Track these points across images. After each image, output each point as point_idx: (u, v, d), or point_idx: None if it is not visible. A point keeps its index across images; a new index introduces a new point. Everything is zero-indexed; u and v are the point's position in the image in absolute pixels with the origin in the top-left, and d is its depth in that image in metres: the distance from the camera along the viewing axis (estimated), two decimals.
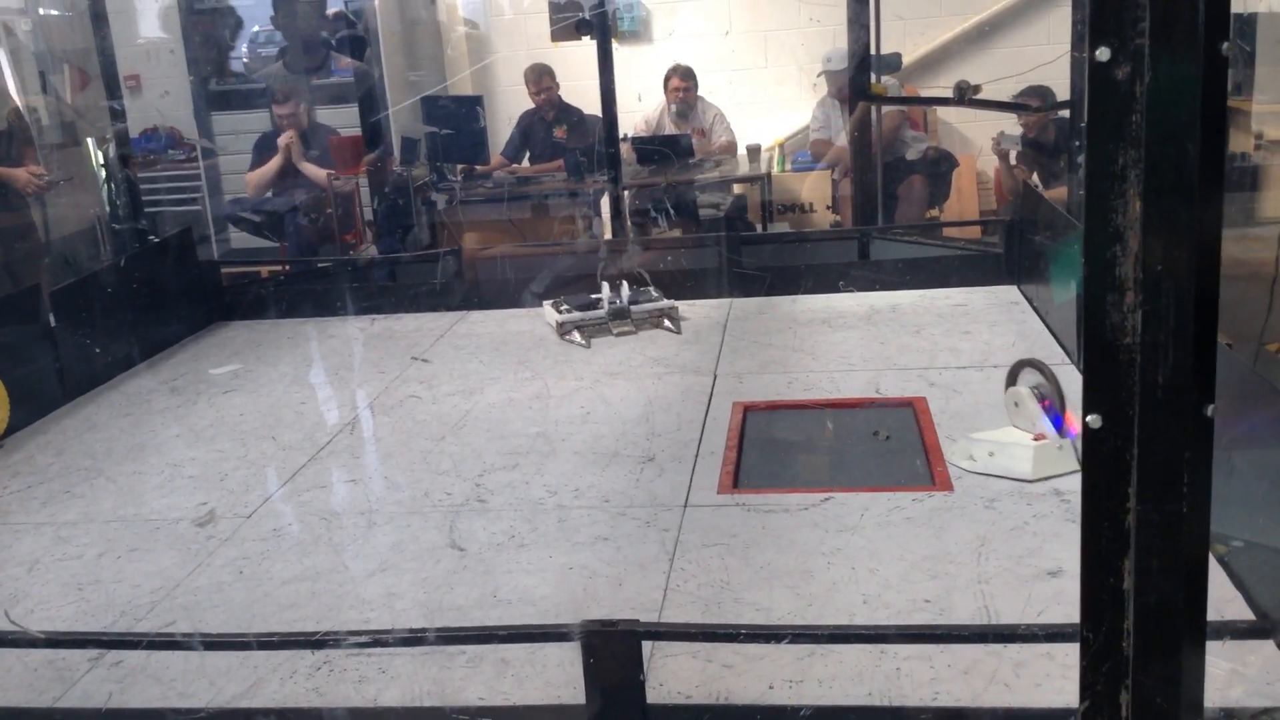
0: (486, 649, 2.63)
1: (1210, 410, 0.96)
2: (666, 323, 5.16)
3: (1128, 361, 0.95)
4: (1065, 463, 3.30)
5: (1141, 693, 1.02)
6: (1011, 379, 3.54)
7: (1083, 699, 1.04)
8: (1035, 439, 3.34)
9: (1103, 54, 0.91)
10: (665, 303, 5.25)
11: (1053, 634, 2.00)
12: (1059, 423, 3.32)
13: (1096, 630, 1.02)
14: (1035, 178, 6.71)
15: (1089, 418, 0.99)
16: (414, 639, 2.50)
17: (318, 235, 7.31)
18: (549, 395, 4.46)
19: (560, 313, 5.24)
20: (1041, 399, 3.39)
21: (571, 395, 4.43)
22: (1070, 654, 2.40)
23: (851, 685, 2.42)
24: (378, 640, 2.50)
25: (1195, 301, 0.93)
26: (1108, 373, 0.97)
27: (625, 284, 5.33)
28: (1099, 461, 1.00)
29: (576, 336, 5.11)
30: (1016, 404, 3.48)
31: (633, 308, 5.23)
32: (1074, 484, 3.20)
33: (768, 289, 5.60)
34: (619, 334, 5.12)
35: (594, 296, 5.31)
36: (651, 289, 5.43)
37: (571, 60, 7.72)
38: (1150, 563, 0.99)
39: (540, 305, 5.48)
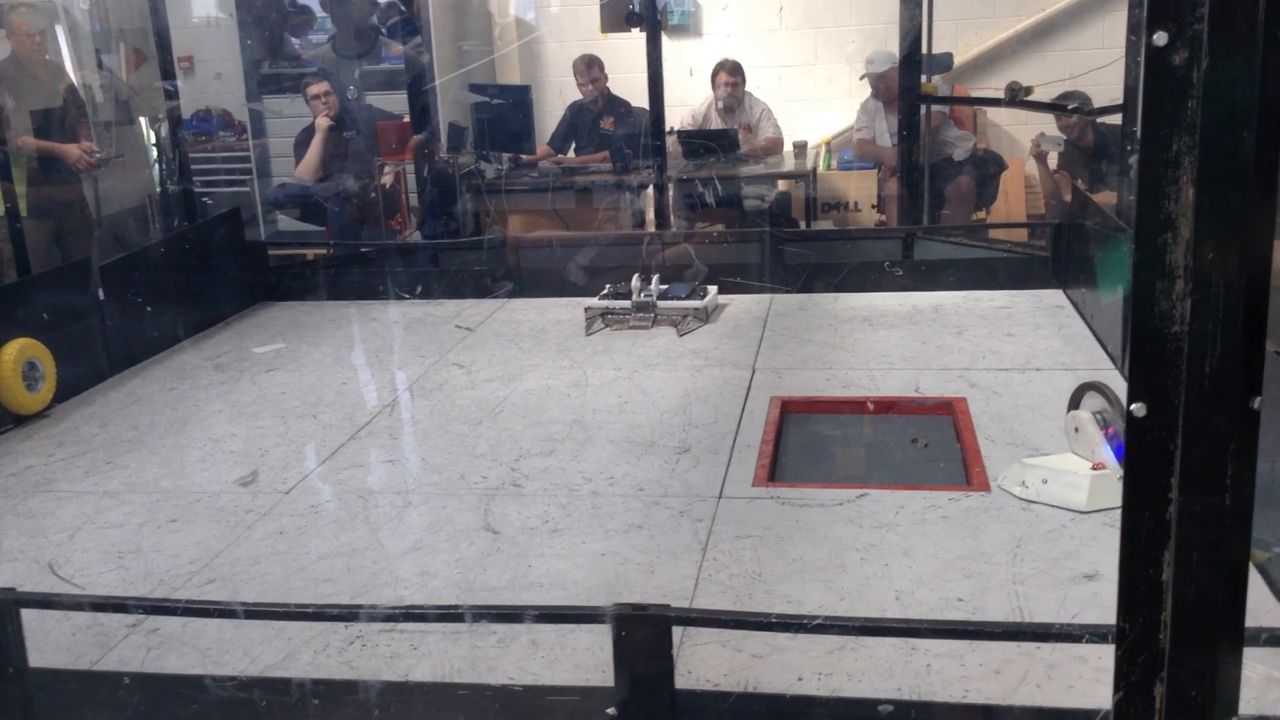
0: (518, 630, 2.65)
1: (1257, 403, 0.95)
2: (689, 320, 5.15)
3: (1174, 350, 0.94)
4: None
5: (1176, 686, 1.01)
6: (1074, 403, 3.33)
7: (1117, 690, 1.03)
8: (1094, 468, 3.15)
9: (1160, 39, 0.90)
10: (692, 304, 5.22)
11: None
12: (1122, 452, 3.21)
13: (1133, 621, 1.01)
14: (1078, 182, 6.64)
15: (1134, 406, 0.98)
16: (447, 615, 2.51)
17: (361, 220, 7.37)
18: (587, 384, 4.47)
19: (599, 298, 5.32)
20: (1105, 426, 3.19)
21: (609, 384, 4.44)
22: (1104, 656, 2.38)
23: (881, 680, 2.41)
24: (410, 614, 2.52)
25: (1245, 292, 0.92)
26: (1154, 361, 0.96)
27: (656, 278, 5.32)
28: (1142, 451, 0.99)
29: (599, 325, 5.17)
30: (1077, 429, 3.28)
31: (660, 304, 5.23)
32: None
33: (810, 285, 5.58)
34: (633, 326, 5.15)
35: (634, 285, 5.33)
36: (703, 285, 5.43)
37: (623, 52, 7.72)
38: (1190, 555, 0.98)
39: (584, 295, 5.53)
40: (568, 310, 5.47)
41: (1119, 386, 4.07)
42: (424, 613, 2.57)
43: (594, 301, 5.31)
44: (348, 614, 2.50)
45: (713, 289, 5.39)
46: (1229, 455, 0.95)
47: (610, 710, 2.02)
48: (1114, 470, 3.08)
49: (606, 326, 5.16)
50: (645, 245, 5.84)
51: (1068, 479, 3.12)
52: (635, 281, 5.31)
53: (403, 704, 2.29)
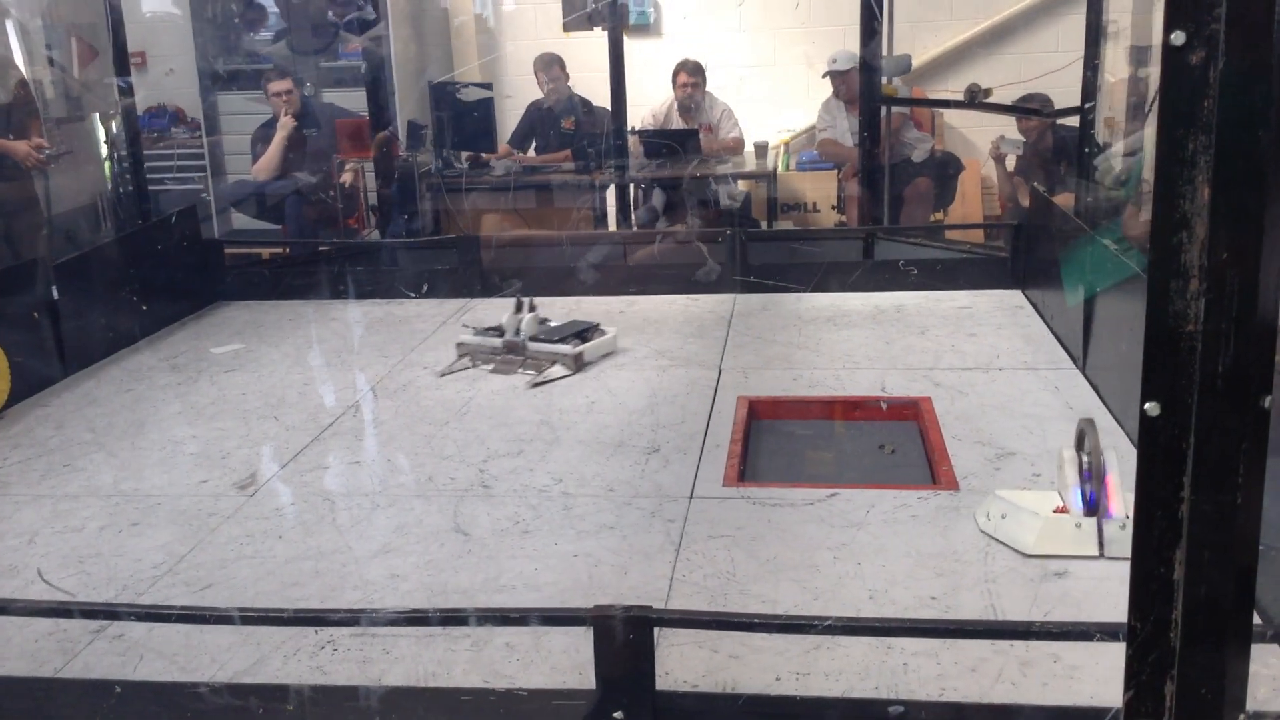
0: (491, 633, 2.62)
1: (1268, 402, 0.96)
2: (557, 369, 4.48)
3: (1188, 349, 0.95)
4: (1078, 545, 2.87)
5: (1186, 684, 1.01)
6: (1078, 440, 3.02)
7: (1127, 689, 1.03)
8: (1056, 510, 2.94)
9: (1177, 38, 0.90)
10: (564, 349, 4.53)
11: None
12: (1092, 500, 2.91)
13: (1144, 620, 1.01)
14: (1035, 184, 6.72)
15: (1147, 405, 0.99)
16: (418, 619, 2.48)
17: (319, 219, 7.30)
18: (552, 384, 4.44)
19: (474, 333, 4.75)
20: (1090, 470, 2.95)
21: (575, 385, 4.41)
22: (1076, 654, 2.40)
23: (858, 680, 2.41)
24: (383, 620, 2.48)
25: (1258, 292, 0.92)
26: (1167, 360, 0.96)
27: (532, 314, 4.70)
28: (1155, 450, 0.99)
29: (464, 362, 4.62)
30: (1060, 467, 3.07)
31: (531, 345, 4.59)
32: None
33: (773, 286, 5.59)
34: (496, 370, 4.53)
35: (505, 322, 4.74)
36: (600, 328, 4.75)
37: (582, 52, 7.71)
38: (1201, 554, 0.98)
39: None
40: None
41: (1078, 385, 4.12)
42: (396, 617, 2.54)
43: (468, 337, 4.73)
44: (319, 619, 2.46)
45: (611, 332, 4.75)
46: (1240, 454, 0.96)
47: (617, 715, 2.00)
48: (1074, 517, 2.90)
49: (473, 365, 4.58)
50: (608, 243, 5.82)
51: (1022, 518, 2.94)
52: (507, 318, 4.71)
53: (377, 709, 2.26)
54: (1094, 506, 2.90)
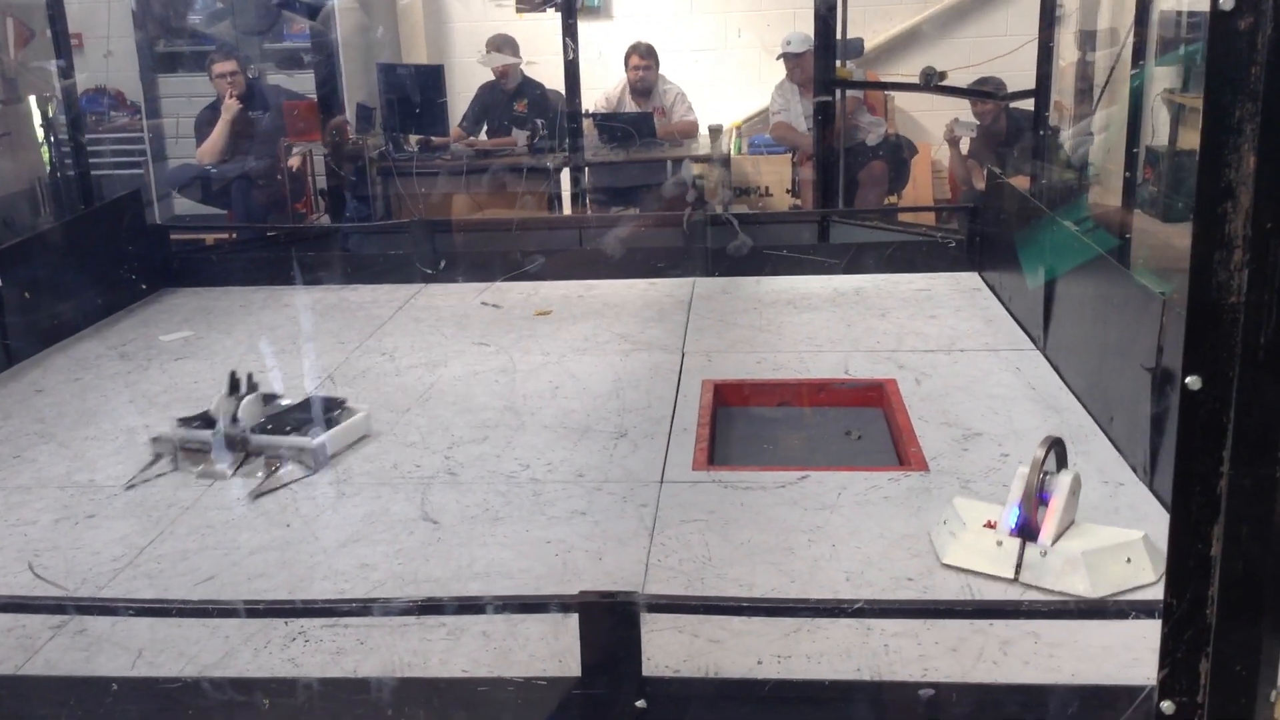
0: (466, 621, 2.58)
1: None
2: (291, 470, 3.44)
3: (1230, 321, 0.93)
4: (994, 563, 2.72)
5: (1221, 661, 1.00)
6: (1046, 453, 2.78)
7: (1162, 666, 1.02)
8: (986, 524, 2.78)
9: (1226, 3, 0.89)
10: (299, 441, 3.48)
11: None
12: (1023, 522, 2.72)
13: (1180, 596, 1.00)
14: (991, 167, 6.77)
15: (1189, 379, 0.97)
16: (399, 609, 2.44)
17: (267, 203, 7.16)
18: (514, 369, 4.39)
19: (177, 424, 3.64)
20: (1040, 489, 2.75)
21: (538, 370, 4.37)
22: (1056, 631, 2.41)
23: (840, 661, 2.40)
24: (357, 609, 2.43)
25: None
26: (1209, 333, 0.95)
27: (248, 389, 3.62)
28: (1195, 424, 0.98)
29: (163, 465, 3.52)
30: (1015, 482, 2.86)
31: (254, 436, 3.52)
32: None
33: (731, 269, 5.57)
34: (204, 475, 3.45)
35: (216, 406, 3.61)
36: (347, 407, 3.70)
37: (532, 35, 7.63)
38: (1239, 529, 0.97)
39: None
40: (487, 296, 5.38)
41: (1039, 366, 4.15)
42: (370, 607, 2.49)
43: (168, 430, 3.60)
44: (295, 610, 2.40)
45: (361, 411, 3.71)
46: None
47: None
48: (999, 533, 2.73)
49: (175, 468, 3.49)
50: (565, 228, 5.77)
51: (952, 526, 2.84)
52: (217, 400, 3.58)
53: (353, 701, 2.21)
54: (1023, 528, 2.71)
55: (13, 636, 2.58)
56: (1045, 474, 2.76)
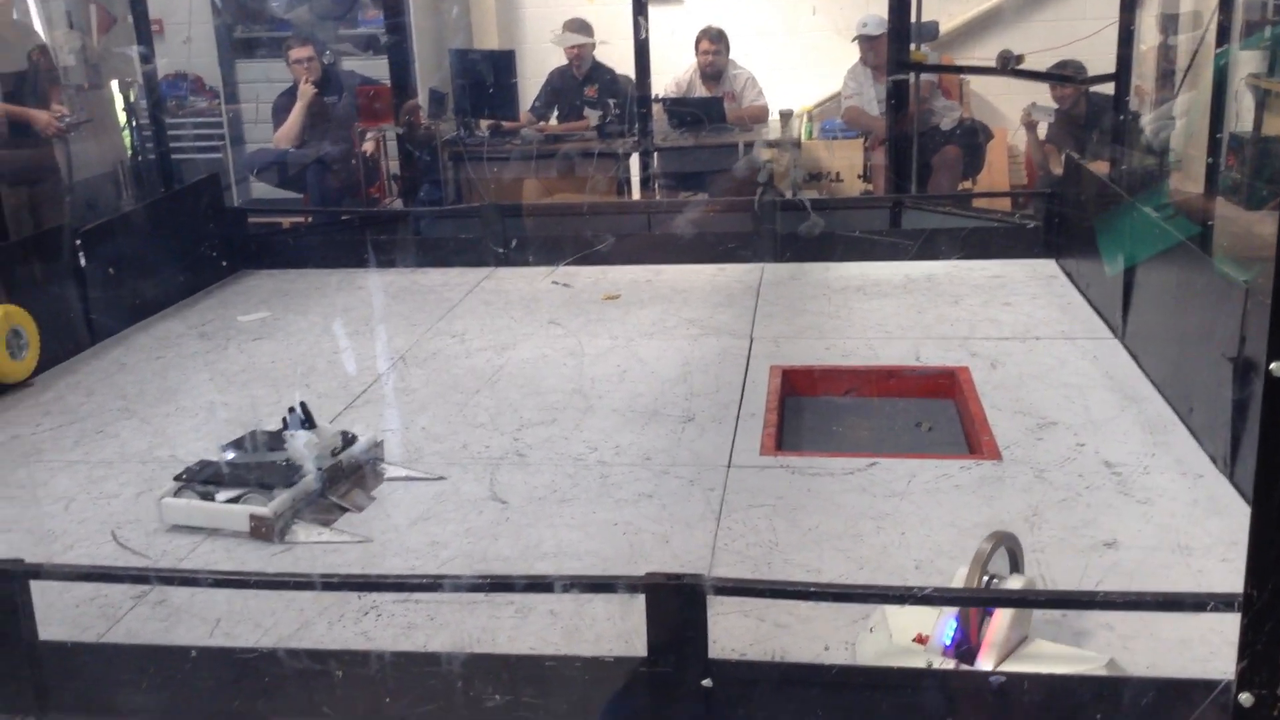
0: (534, 600, 2.61)
1: None
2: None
3: None
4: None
5: None
6: (992, 550, 2.23)
7: (1241, 658, 1.00)
8: (914, 639, 2.24)
9: None
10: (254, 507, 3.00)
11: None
12: (959, 637, 2.18)
13: (1261, 588, 0.98)
14: (1069, 152, 6.64)
15: (1272, 365, 0.95)
16: (468, 585, 2.46)
17: (341, 187, 7.25)
18: (583, 353, 4.41)
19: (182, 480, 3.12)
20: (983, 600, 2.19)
21: (606, 353, 4.38)
22: (1131, 624, 2.37)
23: None
24: (432, 584, 2.46)
25: None
26: None
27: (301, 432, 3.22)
28: (1278, 413, 0.95)
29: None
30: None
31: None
32: (1125, 456, 3.16)
33: (800, 255, 5.54)
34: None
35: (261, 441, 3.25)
36: (378, 457, 3.36)
37: (605, 19, 7.62)
38: None
39: None
40: (561, 279, 5.41)
41: (1118, 355, 4.07)
42: (441, 582, 2.52)
43: (173, 500, 3.06)
44: (371, 585, 2.44)
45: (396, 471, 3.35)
46: None
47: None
48: (930, 650, 2.19)
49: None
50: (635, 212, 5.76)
51: (877, 636, 2.33)
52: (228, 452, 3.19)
53: (425, 674, 2.24)
54: (959, 646, 2.17)
55: (95, 605, 2.66)
56: (991, 577, 2.19)
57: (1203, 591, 2.30)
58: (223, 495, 3.05)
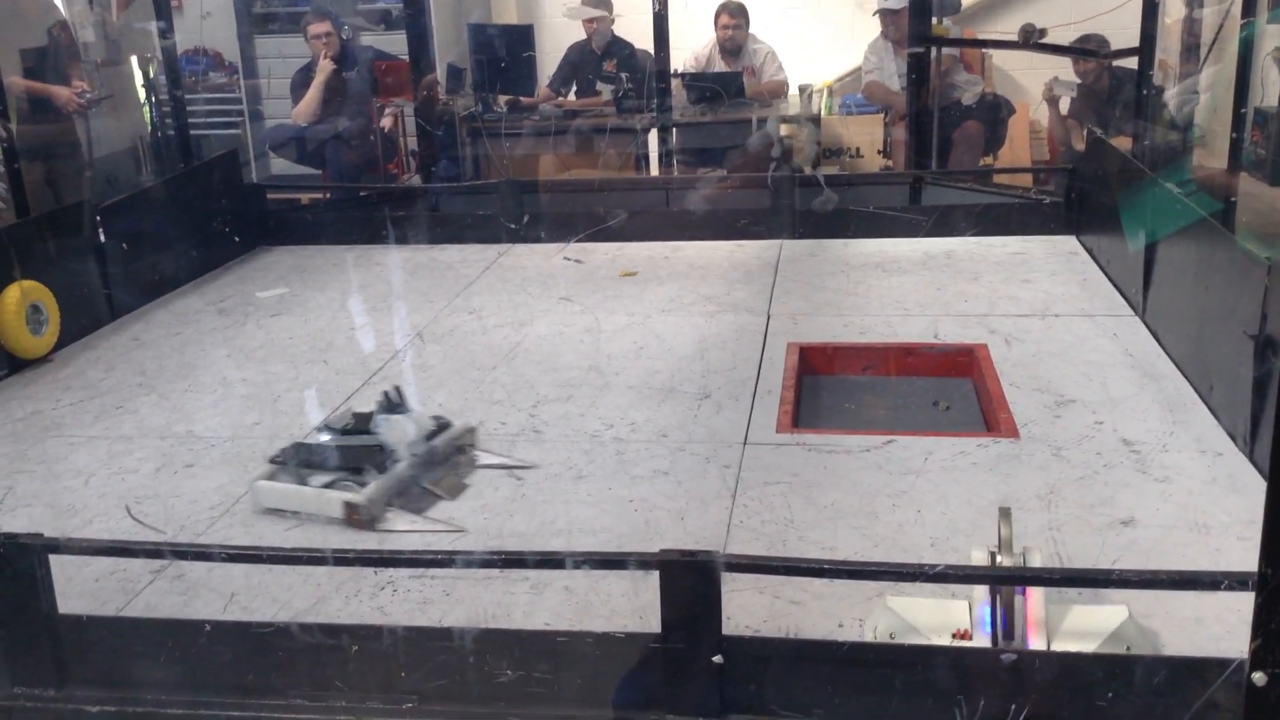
0: (549, 576, 2.61)
1: None
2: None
3: None
4: None
5: None
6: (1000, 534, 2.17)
7: (1255, 636, 0.99)
8: (956, 635, 2.12)
9: None
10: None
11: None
12: (1004, 624, 2.08)
13: (1276, 567, 0.97)
14: (1091, 127, 6.57)
15: None
16: (482, 561, 2.47)
17: (359, 163, 7.25)
18: (599, 329, 4.41)
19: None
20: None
21: (623, 330, 4.38)
22: (1148, 602, 2.35)
23: None
24: (446, 560, 2.47)
25: None
26: None
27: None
28: None
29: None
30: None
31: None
32: (1144, 434, 3.14)
33: (818, 231, 5.51)
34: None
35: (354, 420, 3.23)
36: (467, 445, 3.28)
37: None
38: None
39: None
40: (571, 253, 5.41)
41: (1138, 333, 4.04)
42: (454, 558, 2.53)
43: (266, 484, 3.03)
44: (385, 560, 2.45)
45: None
46: None
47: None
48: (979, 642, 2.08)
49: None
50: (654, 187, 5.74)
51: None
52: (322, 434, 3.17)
53: (439, 649, 2.25)
54: (1007, 631, 2.07)
55: (114, 580, 2.69)
56: (1006, 556, 2.10)
57: (1219, 570, 2.27)
58: (316, 480, 3.00)
